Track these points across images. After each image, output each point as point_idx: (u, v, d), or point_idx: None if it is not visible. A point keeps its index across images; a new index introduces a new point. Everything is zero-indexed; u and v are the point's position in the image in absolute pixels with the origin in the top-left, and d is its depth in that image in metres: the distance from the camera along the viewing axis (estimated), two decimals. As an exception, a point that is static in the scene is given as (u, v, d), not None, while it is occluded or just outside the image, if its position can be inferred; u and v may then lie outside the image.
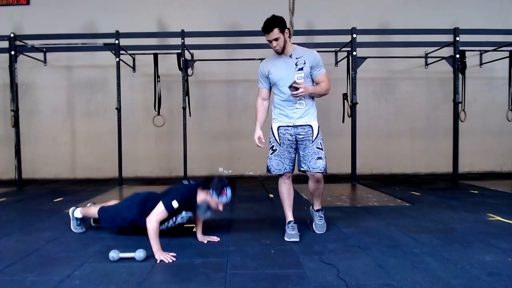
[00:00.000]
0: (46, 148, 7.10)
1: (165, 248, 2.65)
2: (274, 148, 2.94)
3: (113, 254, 2.40)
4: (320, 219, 3.06)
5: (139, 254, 2.40)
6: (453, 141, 5.90)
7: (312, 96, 2.90)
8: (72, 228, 3.11)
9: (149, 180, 6.75)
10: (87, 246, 2.73)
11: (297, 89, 2.72)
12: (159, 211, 2.57)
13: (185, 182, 2.83)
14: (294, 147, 2.92)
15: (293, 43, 2.94)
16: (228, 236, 2.96)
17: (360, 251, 2.57)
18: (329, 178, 6.27)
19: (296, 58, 2.84)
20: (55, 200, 4.70)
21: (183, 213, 2.76)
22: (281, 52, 2.83)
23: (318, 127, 2.91)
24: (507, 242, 2.70)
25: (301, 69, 2.82)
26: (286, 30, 2.78)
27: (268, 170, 2.97)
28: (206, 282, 2.08)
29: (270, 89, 2.99)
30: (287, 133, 2.88)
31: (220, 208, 2.61)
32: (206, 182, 2.61)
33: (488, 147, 7.27)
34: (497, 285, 1.99)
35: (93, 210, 3.01)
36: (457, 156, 5.91)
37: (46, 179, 6.91)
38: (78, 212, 3.10)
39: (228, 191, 2.57)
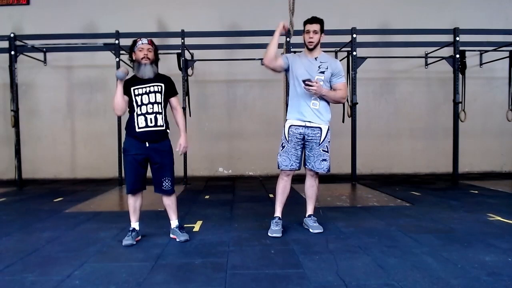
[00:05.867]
0: (46, 148, 7.10)
1: (164, 248, 2.66)
2: (283, 145, 3.04)
3: None
4: (314, 222, 3.11)
5: None
6: (453, 141, 5.90)
7: (327, 101, 2.99)
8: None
9: (149, 180, 6.71)
10: (87, 246, 2.73)
11: (311, 86, 2.81)
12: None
13: None
14: (301, 144, 3.02)
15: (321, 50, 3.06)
16: (228, 236, 2.96)
17: (360, 251, 2.57)
18: (329, 178, 6.27)
19: (321, 62, 2.98)
20: (55, 200, 4.70)
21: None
22: (312, 49, 2.95)
23: (328, 129, 3.00)
24: (507, 242, 2.70)
25: (322, 72, 2.95)
26: (323, 35, 2.98)
27: (278, 165, 3.07)
28: (206, 282, 2.08)
29: (283, 67, 3.02)
30: (297, 131, 2.98)
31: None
32: None
33: (488, 147, 7.26)
34: (497, 285, 1.99)
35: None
36: (457, 156, 5.91)
37: (46, 179, 6.91)
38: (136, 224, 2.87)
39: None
